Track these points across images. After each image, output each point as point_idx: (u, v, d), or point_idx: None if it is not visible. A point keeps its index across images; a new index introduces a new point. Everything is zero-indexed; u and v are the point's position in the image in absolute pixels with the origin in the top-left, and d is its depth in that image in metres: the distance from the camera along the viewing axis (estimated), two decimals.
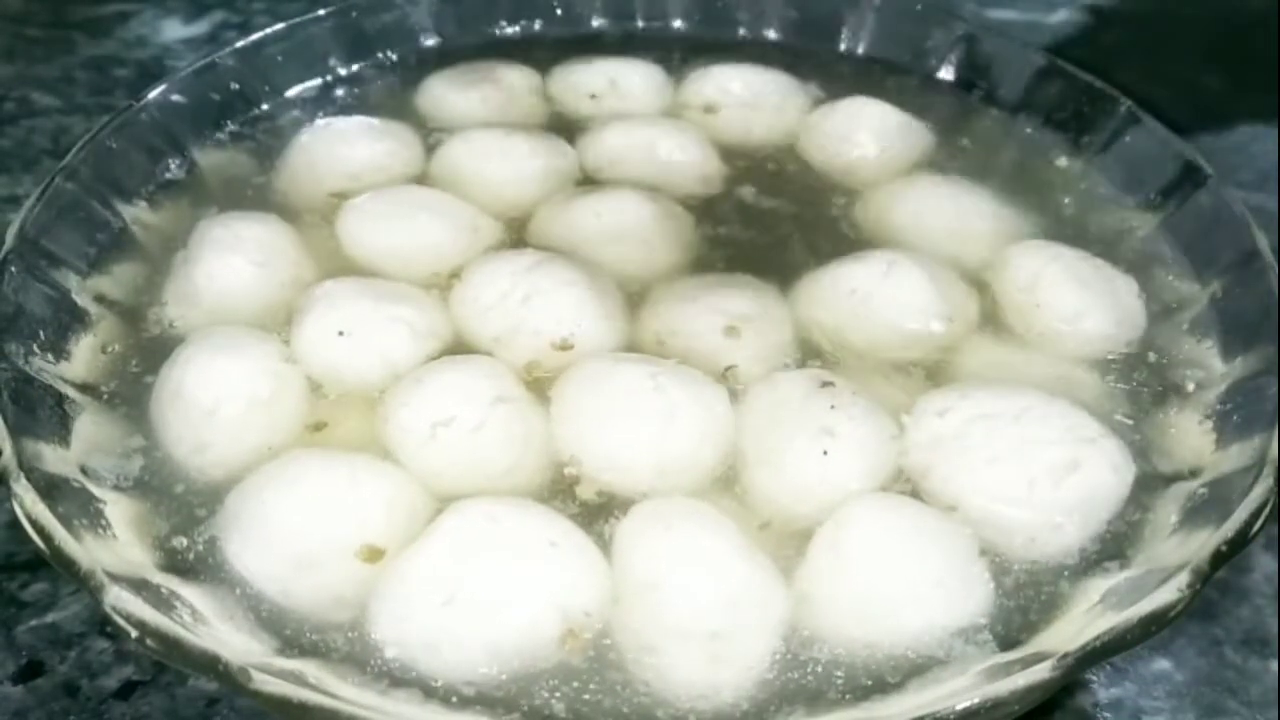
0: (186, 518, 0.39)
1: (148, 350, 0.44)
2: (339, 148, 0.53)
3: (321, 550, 0.37)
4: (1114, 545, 0.38)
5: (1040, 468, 0.38)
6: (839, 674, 0.35)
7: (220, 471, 0.40)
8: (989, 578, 0.37)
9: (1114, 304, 0.46)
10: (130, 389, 0.43)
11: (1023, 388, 0.41)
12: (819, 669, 0.35)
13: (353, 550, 0.37)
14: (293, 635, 0.36)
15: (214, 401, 0.41)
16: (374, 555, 0.37)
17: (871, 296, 0.45)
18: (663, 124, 0.56)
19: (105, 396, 0.43)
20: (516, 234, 0.51)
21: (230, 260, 0.46)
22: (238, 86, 0.56)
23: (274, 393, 0.42)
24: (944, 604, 0.36)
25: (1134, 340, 0.46)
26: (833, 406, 0.40)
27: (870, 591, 0.35)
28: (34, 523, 0.34)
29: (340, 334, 0.43)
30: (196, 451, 0.40)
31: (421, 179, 0.54)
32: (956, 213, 0.50)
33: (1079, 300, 0.45)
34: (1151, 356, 0.45)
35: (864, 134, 0.55)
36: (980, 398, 0.40)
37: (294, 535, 0.37)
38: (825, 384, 0.41)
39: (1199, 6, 0.78)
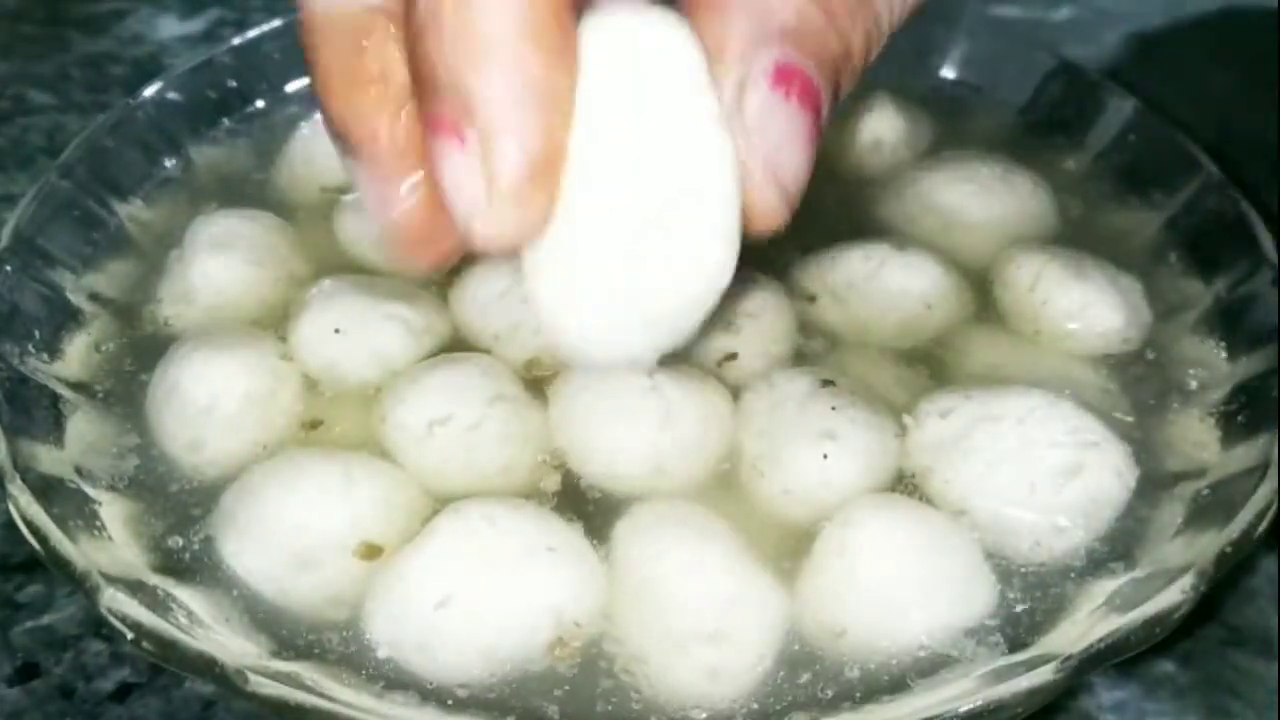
0: (182, 518, 0.39)
1: (142, 349, 0.44)
2: None
3: (318, 549, 0.36)
4: (1121, 546, 0.38)
5: (1042, 471, 0.38)
6: (840, 676, 0.35)
7: (215, 470, 0.40)
8: (994, 579, 0.37)
9: (1120, 300, 0.45)
10: (125, 388, 0.43)
11: (1027, 389, 0.40)
12: (820, 671, 0.35)
13: (350, 549, 0.37)
14: (289, 636, 0.35)
15: (209, 399, 0.40)
16: (372, 552, 0.37)
17: (869, 284, 0.45)
18: None
19: (100, 395, 0.42)
20: None
21: (225, 258, 0.46)
22: (235, 84, 0.56)
23: (270, 390, 0.41)
24: (950, 606, 0.35)
25: (1139, 339, 0.45)
26: (833, 408, 0.39)
27: (875, 593, 0.35)
28: (29, 524, 0.34)
29: (336, 331, 0.43)
30: (192, 450, 0.40)
31: None
32: (957, 209, 0.50)
33: (1084, 295, 0.45)
34: (1155, 355, 0.45)
35: (866, 129, 0.55)
36: (984, 399, 0.40)
37: (290, 534, 0.37)
38: (825, 383, 0.41)
39: (1204, 5, 0.78)
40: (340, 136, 0.29)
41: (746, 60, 0.26)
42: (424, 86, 0.25)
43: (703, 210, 0.28)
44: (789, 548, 0.37)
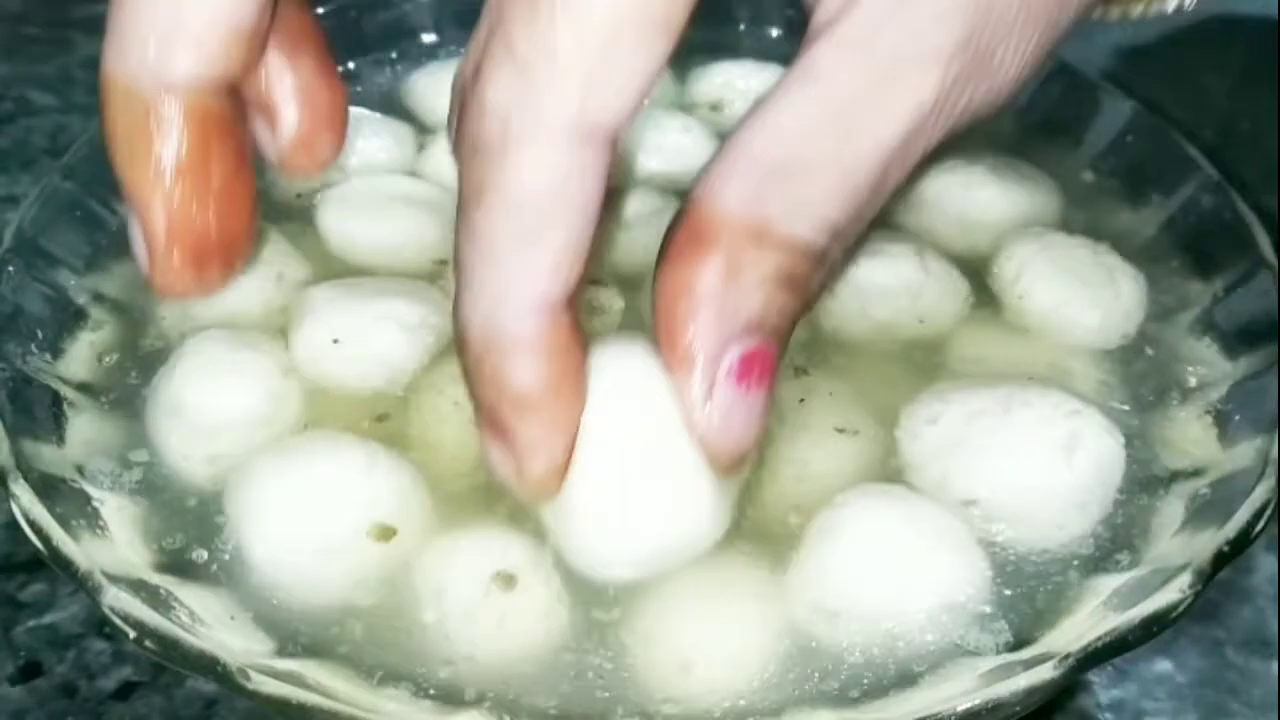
0: (183, 516, 0.39)
1: (144, 349, 0.44)
2: None
3: (320, 546, 0.36)
4: (1123, 540, 0.38)
5: (1048, 450, 0.37)
6: (831, 670, 0.34)
7: (216, 468, 0.40)
8: (994, 570, 0.36)
9: (1106, 297, 0.45)
10: (127, 387, 0.43)
11: (1010, 379, 0.40)
12: (810, 665, 0.35)
13: (357, 545, 0.36)
14: (292, 634, 0.35)
15: (211, 398, 0.40)
16: (386, 533, 0.37)
17: (863, 280, 0.45)
18: (666, 119, 0.56)
19: (102, 395, 0.43)
20: None
21: None
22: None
23: (270, 388, 0.41)
24: (947, 596, 0.35)
25: (1130, 335, 0.45)
26: (832, 393, 0.39)
27: (867, 585, 0.35)
28: (31, 523, 0.34)
29: (335, 342, 0.42)
30: (192, 448, 0.40)
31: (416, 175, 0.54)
32: (956, 209, 0.50)
33: (1062, 292, 0.45)
34: (1154, 354, 0.45)
35: None
36: (963, 397, 0.40)
37: (292, 531, 0.37)
38: (799, 371, 0.41)
39: (1202, 8, 0.78)
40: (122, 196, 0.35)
41: (713, 365, 0.30)
42: (470, 379, 0.31)
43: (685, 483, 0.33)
44: (774, 538, 0.37)
